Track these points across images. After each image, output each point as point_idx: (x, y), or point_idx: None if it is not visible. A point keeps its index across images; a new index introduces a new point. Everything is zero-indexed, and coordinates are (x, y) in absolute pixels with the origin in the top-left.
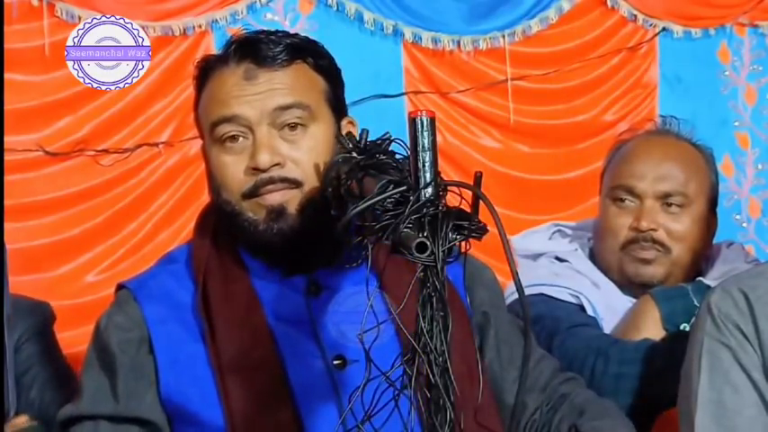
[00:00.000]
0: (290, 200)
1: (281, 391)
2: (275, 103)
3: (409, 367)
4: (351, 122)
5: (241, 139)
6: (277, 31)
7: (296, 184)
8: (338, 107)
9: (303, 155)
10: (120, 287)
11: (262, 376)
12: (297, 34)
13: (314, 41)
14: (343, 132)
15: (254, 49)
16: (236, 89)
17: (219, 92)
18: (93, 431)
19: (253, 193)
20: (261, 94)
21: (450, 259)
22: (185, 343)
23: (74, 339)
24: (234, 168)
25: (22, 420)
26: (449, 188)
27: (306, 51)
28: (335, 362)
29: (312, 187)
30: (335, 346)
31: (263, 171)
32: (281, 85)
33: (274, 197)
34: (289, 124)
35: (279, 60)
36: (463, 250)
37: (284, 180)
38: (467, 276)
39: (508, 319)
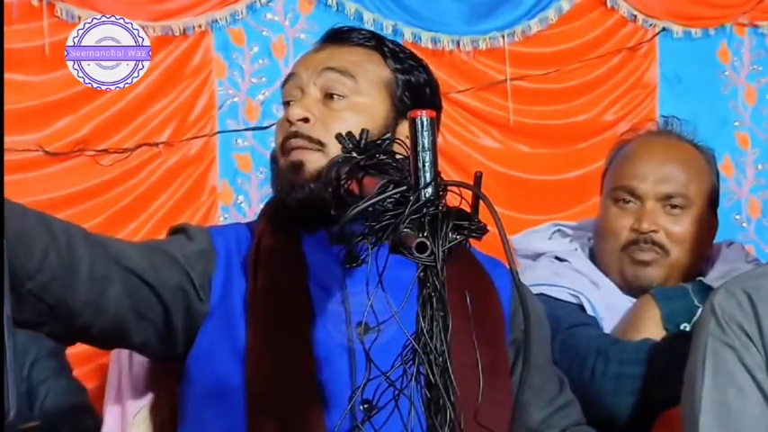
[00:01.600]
0: (311, 159)
1: (304, 335)
2: (325, 64)
3: (409, 367)
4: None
5: (293, 103)
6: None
7: (319, 143)
8: (403, 109)
9: (334, 119)
10: None
11: (289, 317)
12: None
13: (412, 53)
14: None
15: (338, 33)
16: (304, 57)
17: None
18: (127, 244)
19: (282, 147)
20: (320, 59)
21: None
22: (234, 275)
23: None
24: (281, 126)
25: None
26: (449, 188)
27: (386, 47)
28: (357, 328)
29: (336, 153)
30: (360, 313)
31: (292, 125)
32: (341, 55)
33: (296, 154)
34: (330, 94)
35: (353, 40)
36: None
37: (307, 138)
38: (515, 294)
39: (546, 349)
